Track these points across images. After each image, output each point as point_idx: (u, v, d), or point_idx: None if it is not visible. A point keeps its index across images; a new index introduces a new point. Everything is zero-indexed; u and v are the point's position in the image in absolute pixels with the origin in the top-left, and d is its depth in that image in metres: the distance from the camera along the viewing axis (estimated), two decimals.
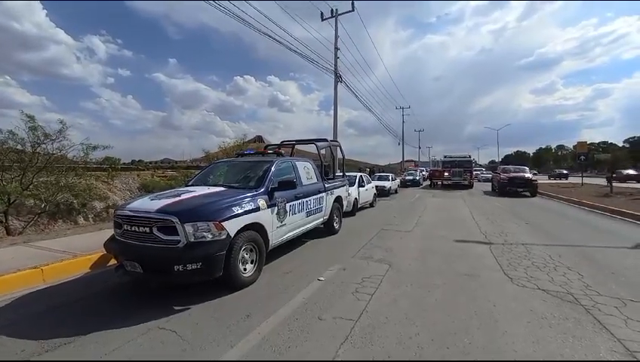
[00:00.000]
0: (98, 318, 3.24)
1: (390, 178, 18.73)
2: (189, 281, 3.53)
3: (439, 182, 23.95)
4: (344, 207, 7.61)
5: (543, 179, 32.49)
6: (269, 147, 7.55)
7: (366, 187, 11.53)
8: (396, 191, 19.43)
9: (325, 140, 7.63)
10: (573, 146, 33.74)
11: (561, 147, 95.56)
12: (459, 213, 10.32)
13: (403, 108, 47.74)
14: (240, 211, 3.98)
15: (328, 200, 6.53)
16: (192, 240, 3.49)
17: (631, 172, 33.08)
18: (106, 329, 3.03)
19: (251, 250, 4.19)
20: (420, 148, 68.42)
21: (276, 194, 4.72)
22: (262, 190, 4.59)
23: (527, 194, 15.73)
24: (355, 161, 65.19)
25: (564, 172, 43.21)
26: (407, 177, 26.15)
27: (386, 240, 6.32)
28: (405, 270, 4.56)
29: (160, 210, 3.59)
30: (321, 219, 6.33)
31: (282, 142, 8.18)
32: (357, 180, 10.96)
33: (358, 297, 3.68)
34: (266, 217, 4.43)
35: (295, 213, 5.19)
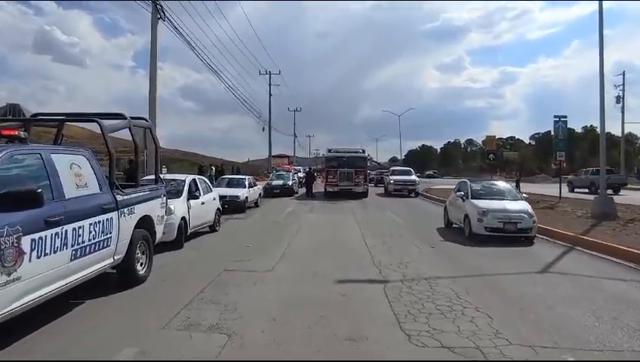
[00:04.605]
0: None
1: (247, 183, 18.84)
2: None
3: (328, 189, 25.39)
4: (159, 235, 7.39)
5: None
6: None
7: (203, 198, 11.15)
8: (257, 204, 19.69)
9: (121, 117, 6.99)
10: (482, 142, 41.99)
11: (470, 142, 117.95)
12: (346, 236, 10.95)
13: (270, 73, 48.96)
14: None
15: (124, 224, 6.10)
16: None
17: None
18: None
19: None
20: (296, 136, 72.17)
21: None
22: None
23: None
24: (193, 153, 63.79)
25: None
26: (275, 181, 26.89)
27: (228, 290, 6.16)
28: (254, 343, 4.35)
29: None
30: (109, 261, 5.86)
31: (35, 115, 7.49)
32: (186, 188, 10.48)
33: None
34: None
35: (45, 255, 4.43)
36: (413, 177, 27.42)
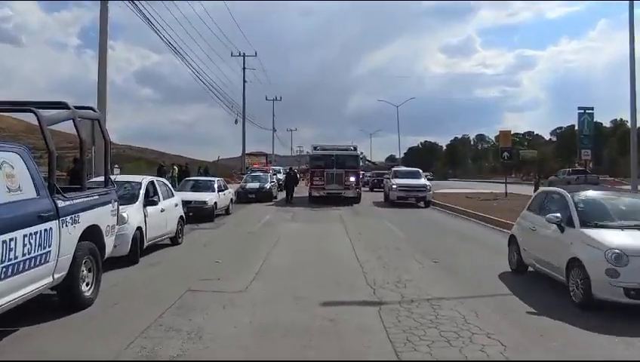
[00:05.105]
0: None
1: (216, 186, 18.89)
2: None
3: (313, 193, 25.53)
4: (109, 249, 7.38)
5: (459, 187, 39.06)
6: None
7: (162, 205, 11.18)
8: (228, 211, 19.78)
9: (64, 106, 6.91)
10: (495, 138, 42.74)
11: (481, 138, 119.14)
12: (334, 249, 11.02)
13: (245, 55, 48.84)
14: None
15: (66, 235, 6.05)
16: None
17: None
18: None
19: None
20: (275, 130, 72.26)
21: None
22: None
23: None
24: (151, 150, 63.44)
25: None
26: (250, 184, 26.98)
27: (192, 315, 6.16)
28: None
29: None
30: (48, 280, 5.79)
31: None
32: (142, 192, 10.49)
33: None
34: None
35: None
36: (423, 181, 25.90)
